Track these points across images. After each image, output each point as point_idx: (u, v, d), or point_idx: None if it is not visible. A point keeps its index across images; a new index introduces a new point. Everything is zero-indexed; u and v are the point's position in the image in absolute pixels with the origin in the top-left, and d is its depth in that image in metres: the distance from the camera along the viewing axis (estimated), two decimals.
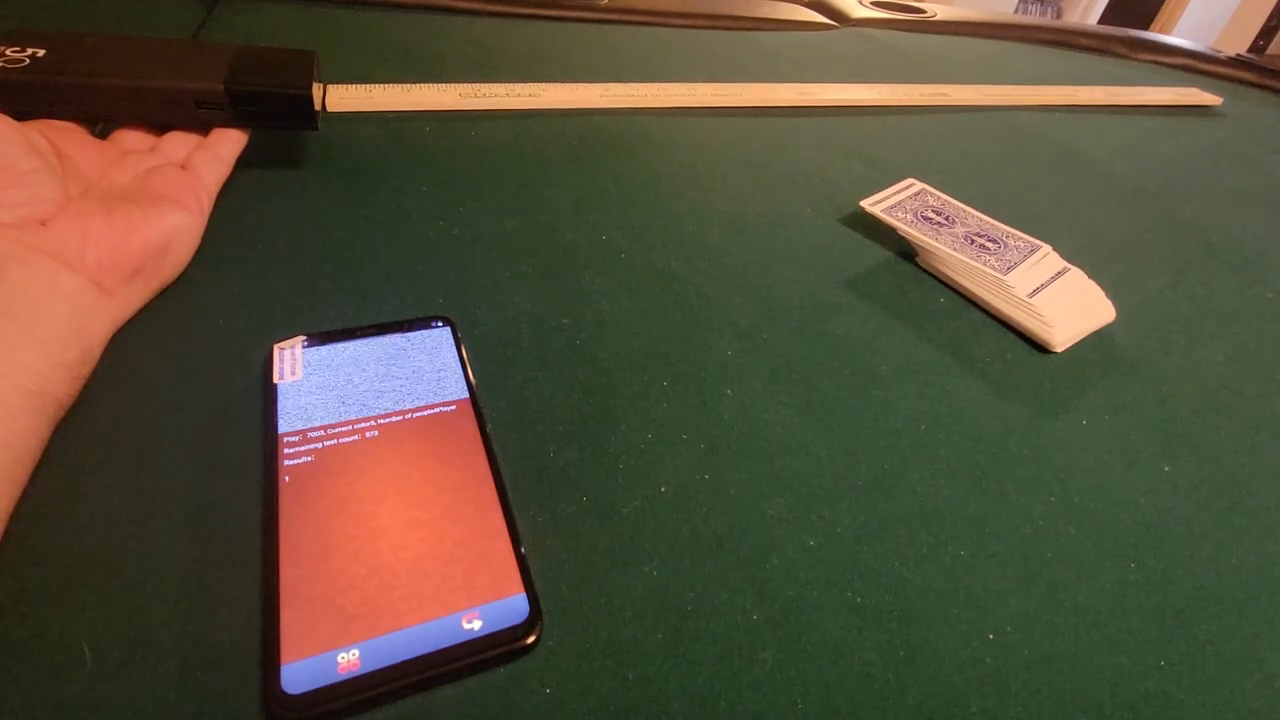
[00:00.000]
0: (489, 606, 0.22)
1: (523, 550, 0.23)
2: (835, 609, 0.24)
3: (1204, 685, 0.23)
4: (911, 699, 0.22)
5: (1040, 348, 0.36)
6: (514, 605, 0.22)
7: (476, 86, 0.52)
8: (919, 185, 0.45)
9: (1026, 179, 0.55)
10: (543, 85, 0.54)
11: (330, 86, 0.48)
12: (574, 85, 0.56)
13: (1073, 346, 0.37)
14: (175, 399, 0.27)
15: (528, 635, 0.21)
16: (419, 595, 0.22)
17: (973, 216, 0.43)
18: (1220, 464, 0.32)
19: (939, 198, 0.44)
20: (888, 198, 0.44)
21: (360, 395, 0.27)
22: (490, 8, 0.70)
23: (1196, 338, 0.40)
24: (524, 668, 0.21)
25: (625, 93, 0.56)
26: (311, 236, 0.36)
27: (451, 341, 0.31)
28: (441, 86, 0.51)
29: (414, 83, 0.51)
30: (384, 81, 0.50)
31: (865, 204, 0.43)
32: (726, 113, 0.57)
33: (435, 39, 0.62)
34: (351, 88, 0.49)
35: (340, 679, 0.19)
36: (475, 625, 0.21)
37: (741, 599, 0.24)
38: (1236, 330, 0.41)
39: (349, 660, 0.20)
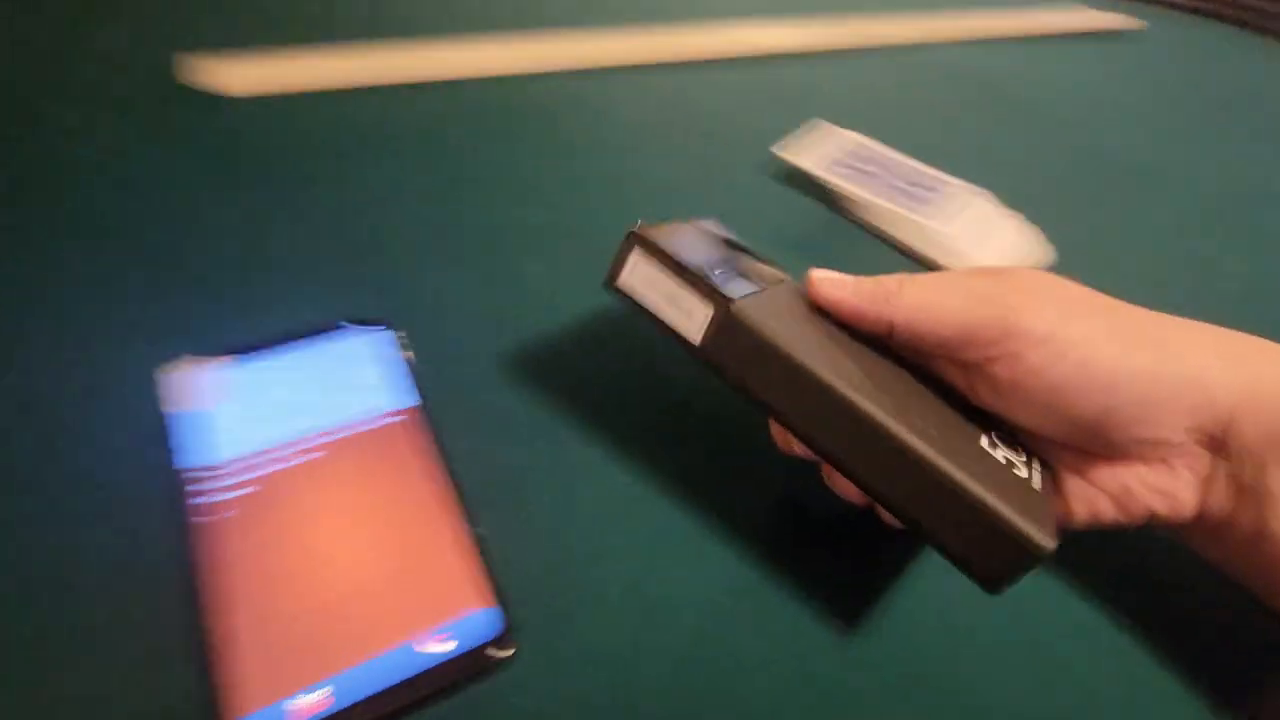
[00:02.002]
0: (459, 623, 0.21)
1: (488, 561, 0.22)
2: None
3: None
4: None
5: None
6: (486, 619, 0.21)
7: (379, 52, 0.48)
8: (844, 132, 0.45)
9: (951, 118, 0.56)
10: (448, 45, 0.51)
11: (220, 61, 0.43)
12: (484, 45, 0.52)
13: None
14: (73, 436, 0.24)
15: (503, 648, 0.20)
16: (382, 622, 0.20)
17: (904, 164, 0.43)
18: None
19: (865, 145, 0.45)
20: (810, 147, 0.43)
21: (286, 415, 0.25)
22: None
23: (1132, 270, 0.42)
24: (503, 680, 0.20)
25: (543, 52, 0.53)
26: (212, 240, 0.33)
27: (393, 346, 0.29)
28: (341, 56, 0.47)
29: (307, 46, 0.46)
30: (267, 44, 0.45)
31: (787, 156, 0.42)
32: (651, 70, 0.55)
33: None
34: (249, 63, 0.44)
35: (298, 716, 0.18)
36: (448, 646, 0.20)
37: (710, 589, 0.23)
38: (1161, 255, 0.43)
39: (312, 702, 0.19)
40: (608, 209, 0.39)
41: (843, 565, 0.25)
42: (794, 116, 0.51)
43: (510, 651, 0.20)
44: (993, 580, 0.19)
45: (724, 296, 0.22)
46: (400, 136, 0.42)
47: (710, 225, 0.29)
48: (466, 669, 0.20)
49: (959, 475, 0.19)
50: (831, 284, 0.24)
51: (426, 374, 0.28)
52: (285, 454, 0.24)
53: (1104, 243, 0.44)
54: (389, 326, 0.29)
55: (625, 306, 0.23)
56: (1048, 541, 0.18)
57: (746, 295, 0.22)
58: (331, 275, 0.32)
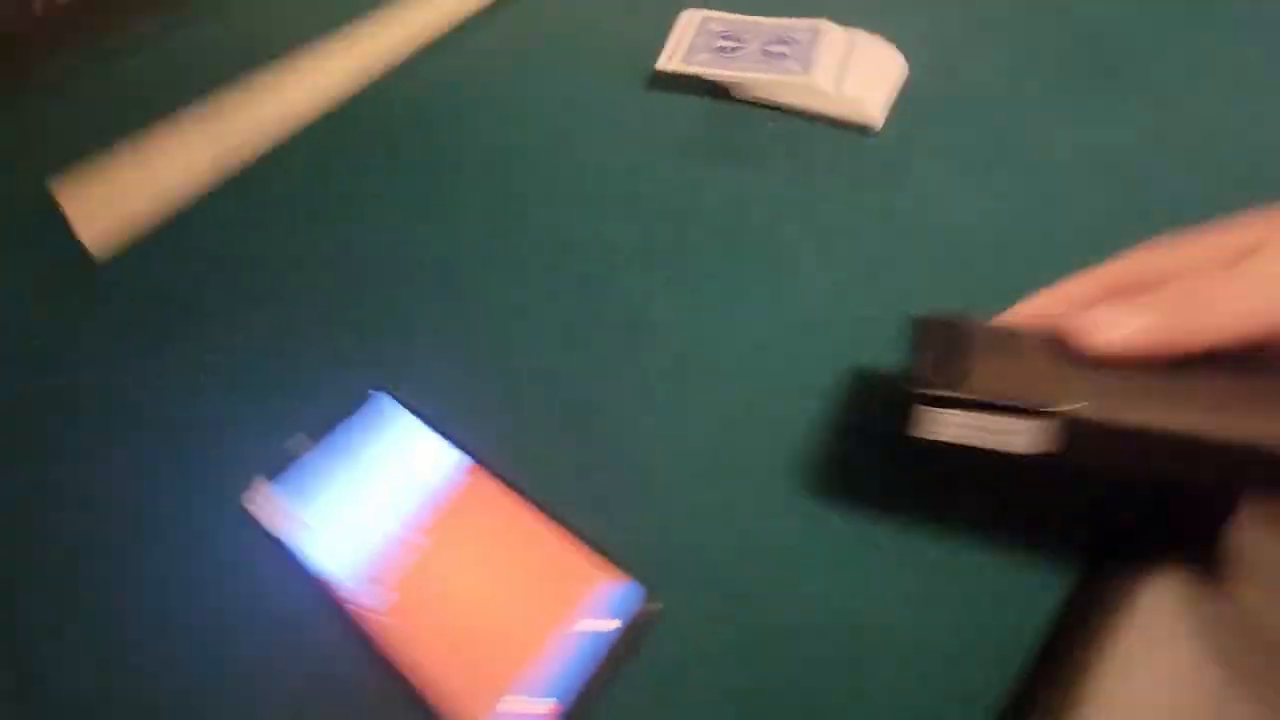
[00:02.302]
0: (608, 602, 0.26)
1: (604, 550, 0.27)
2: None
3: None
4: None
5: (862, 128, 0.41)
6: (626, 591, 0.26)
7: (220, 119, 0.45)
8: (699, 14, 0.46)
9: None
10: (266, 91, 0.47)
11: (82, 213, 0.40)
12: (305, 72, 0.49)
13: (887, 114, 0.41)
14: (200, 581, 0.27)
15: (652, 606, 0.26)
16: (546, 625, 0.25)
17: (757, 25, 0.44)
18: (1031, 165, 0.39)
19: (721, 19, 0.45)
20: (678, 46, 0.44)
21: (368, 509, 0.28)
22: None
23: (993, 62, 0.45)
24: (661, 632, 0.26)
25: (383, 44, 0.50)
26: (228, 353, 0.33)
27: (402, 410, 0.31)
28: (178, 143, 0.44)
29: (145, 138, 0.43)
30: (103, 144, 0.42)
31: (661, 65, 0.43)
32: (475, 25, 0.53)
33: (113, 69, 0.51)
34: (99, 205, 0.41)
35: None
36: (610, 622, 0.25)
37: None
38: (1023, 44, 0.46)
39: (524, 703, 0.24)
40: (533, 190, 0.40)
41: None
42: (657, 10, 0.50)
43: (659, 605, 0.26)
44: None
45: (1047, 411, 0.21)
46: (289, 193, 0.41)
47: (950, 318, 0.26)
48: (630, 634, 0.25)
49: None
50: (1110, 328, 0.21)
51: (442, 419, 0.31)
52: (398, 530, 0.27)
53: (955, 42, 0.47)
54: (385, 392, 0.31)
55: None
56: None
57: (1069, 393, 0.21)
58: (328, 354, 0.34)
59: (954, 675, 0.24)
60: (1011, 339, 0.25)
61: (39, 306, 0.37)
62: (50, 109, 0.49)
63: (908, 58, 0.43)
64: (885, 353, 0.30)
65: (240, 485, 0.28)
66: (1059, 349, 0.23)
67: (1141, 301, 0.21)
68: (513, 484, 0.29)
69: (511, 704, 0.23)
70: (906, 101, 0.42)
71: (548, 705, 0.23)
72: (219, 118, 0.45)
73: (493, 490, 0.29)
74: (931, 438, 0.23)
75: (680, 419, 0.30)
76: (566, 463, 0.30)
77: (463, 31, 0.51)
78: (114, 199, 0.40)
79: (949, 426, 0.22)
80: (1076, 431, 0.21)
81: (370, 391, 0.31)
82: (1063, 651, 0.24)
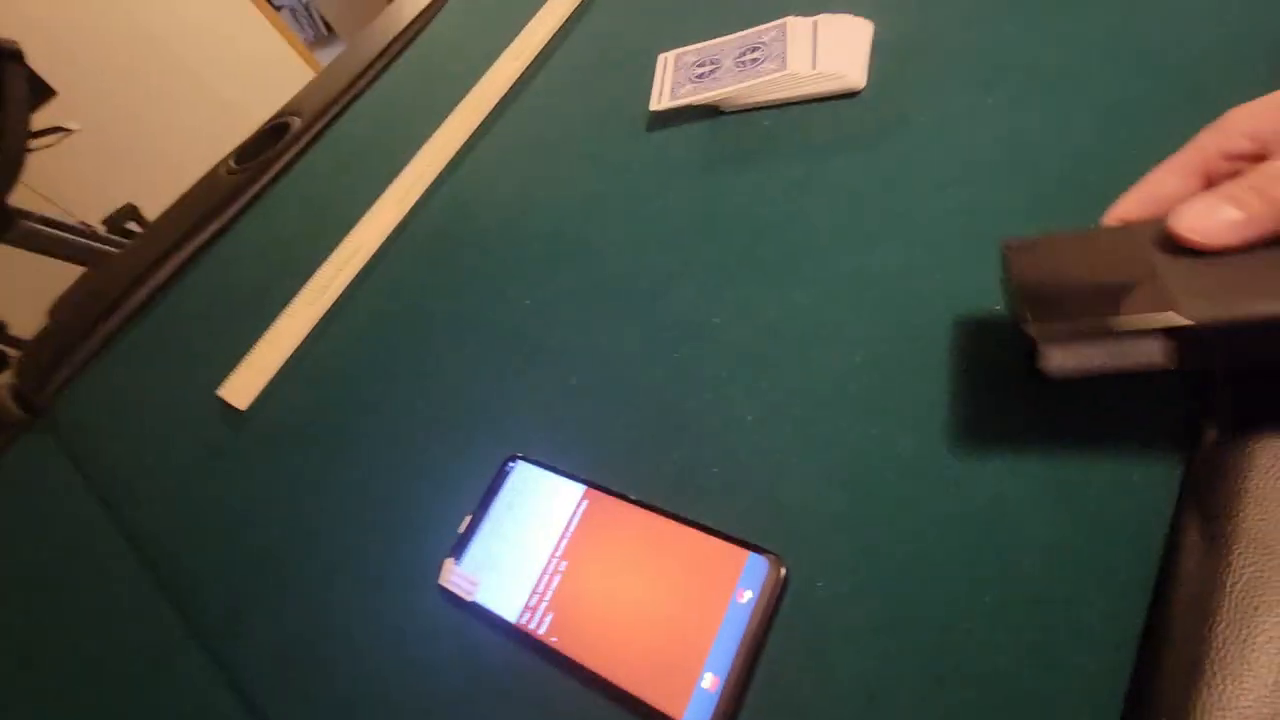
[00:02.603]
0: (743, 579, 0.29)
1: (726, 531, 0.30)
2: None
3: None
4: None
5: (850, 95, 0.43)
6: (756, 564, 0.29)
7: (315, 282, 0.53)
8: (671, 53, 0.50)
9: None
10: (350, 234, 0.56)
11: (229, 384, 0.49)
12: (379, 209, 0.57)
13: (870, 75, 0.44)
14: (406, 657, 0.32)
15: (780, 571, 0.28)
16: (703, 609, 0.28)
17: (725, 44, 0.48)
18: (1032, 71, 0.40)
19: (693, 50, 0.49)
20: (663, 86, 0.49)
21: (523, 552, 0.33)
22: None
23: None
24: (797, 591, 0.28)
25: (418, 175, 0.58)
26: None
27: (530, 465, 0.36)
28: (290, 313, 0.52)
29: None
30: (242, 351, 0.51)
31: (654, 106, 0.48)
32: (488, 128, 0.60)
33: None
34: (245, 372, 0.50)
35: (710, 695, 0.26)
36: (747, 596, 0.28)
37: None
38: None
39: (710, 679, 0.27)
40: (581, 246, 0.45)
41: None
42: (633, 66, 0.56)
43: (786, 569, 0.28)
44: None
45: (1170, 326, 0.21)
46: (377, 310, 0.48)
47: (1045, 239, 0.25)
48: (766, 600, 0.28)
49: None
50: (1209, 221, 0.21)
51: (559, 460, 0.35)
52: (548, 574, 0.32)
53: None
54: (518, 459, 0.36)
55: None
56: None
57: (1183, 298, 0.21)
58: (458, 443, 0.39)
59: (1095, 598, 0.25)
60: (1110, 247, 0.24)
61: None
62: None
63: (873, 20, 0.45)
64: (957, 292, 0.32)
65: (430, 567, 0.34)
66: (1160, 247, 0.22)
67: (1234, 189, 0.21)
68: (627, 497, 0.33)
69: (703, 680, 0.27)
70: (884, 58, 0.44)
71: (722, 677, 0.27)
72: (316, 284, 0.53)
73: (615, 507, 0.33)
74: (1063, 375, 0.23)
75: (766, 402, 0.33)
76: (673, 466, 0.33)
77: (474, 143, 0.58)
78: (256, 379, 0.49)
79: (1078, 358, 0.22)
80: (1201, 335, 0.21)
81: (503, 460, 0.36)
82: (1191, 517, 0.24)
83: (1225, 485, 0.24)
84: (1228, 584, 0.22)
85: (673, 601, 0.29)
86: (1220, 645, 0.21)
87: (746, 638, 0.27)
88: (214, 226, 0.68)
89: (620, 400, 0.37)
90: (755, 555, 0.29)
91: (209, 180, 0.77)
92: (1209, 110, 0.25)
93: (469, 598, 0.33)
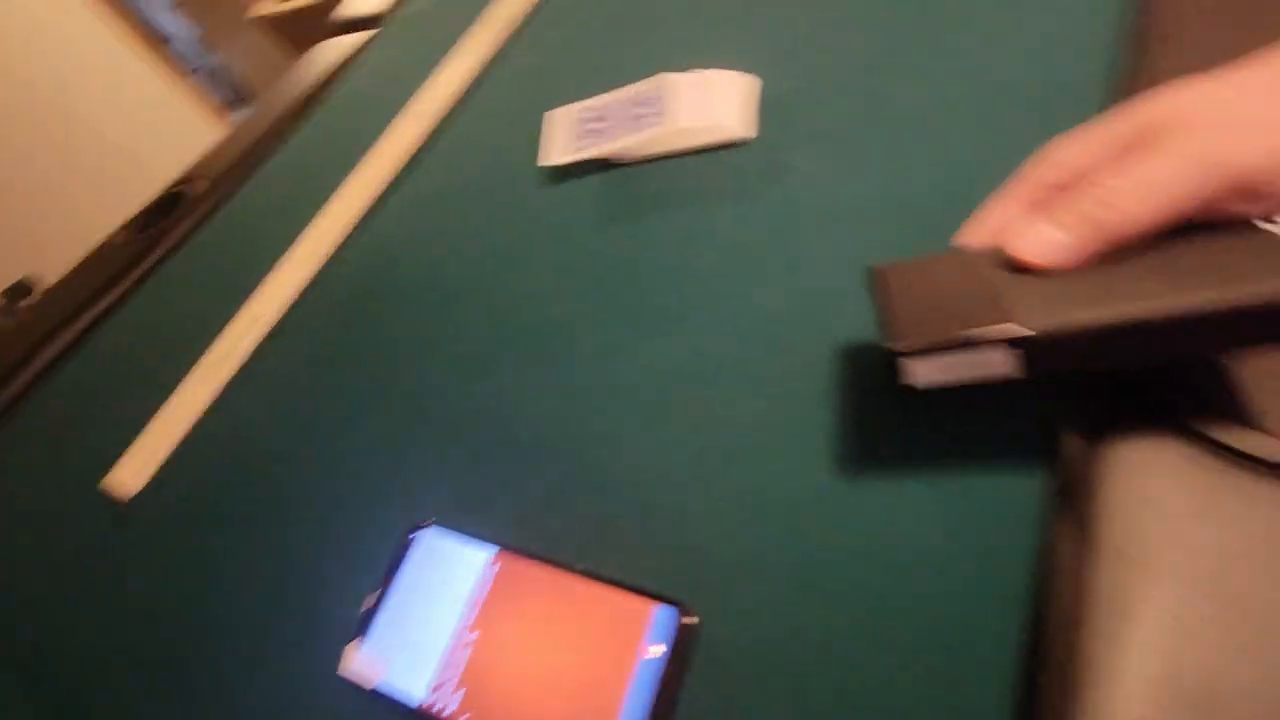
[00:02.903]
0: (652, 633, 0.28)
1: (635, 584, 0.30)
2: None
3: None
4: None
5: (736, 145, 0.45)
6: (664, 616, 0.28)
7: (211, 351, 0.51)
8: (559, 110, 0.52)
9: (595, 38, 0.62)
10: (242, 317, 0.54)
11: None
12: (281, 276, 0.55)
13: (756, 126, 0.46)
14: None
15: (690, 620, 0.28)
16: (611, 669, 0.28)
17: (616, 101, 0.50)
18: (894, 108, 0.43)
19: (583, 107, 0.51)
20: (554, 142, 0.50)
21: (431, 627, 0.32)
22: None
23: (832, 48, 0.50)
24: (707, 638, 0.28)
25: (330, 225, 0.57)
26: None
27: (439, 532, 0.35)
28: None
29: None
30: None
31: (544, 162, 0.49)
32: (394, 189, 0.60)
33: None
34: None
35: None
36: (657, 649, 0.28)
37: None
38: (850, 25, 0.51)
39: None
40: (482, 305, 0.45)
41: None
42: (531, 124, 0.56)
43: (696, 619, 0.28)
44: None
45: (1013, 339, 0.22)
46: (279, 386, 0.47)
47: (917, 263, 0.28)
48: (678, 652, 0.28)
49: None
50: (1040, 245, 0.23)
51: (463, 522, 0.34)
52: (456, 650, 0.31)
53: (791, 47, 0.52)
54: (420, 528, 0.35)
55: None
56: None
57: (1022, 311, 0.23)
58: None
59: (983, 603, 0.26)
60: (963, 267, 0.26)
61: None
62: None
63: (756, 74, 0.48)
64: (842, 329, 0.34)
65: (333, 653, 0.32)
66: (1005, 267, 0.25)
67: (1063, 213, 0.23)
68: (538, 557, 0.32)
69: None
70: (768, 110, 0.47)
71: None
72: (214, 354, 0.51)
73: (526, 569, 0.32)
74: (921, 384, 0.24)
75: (669, 449, 0.34)
76: (583, 520, 0.33)
77: (378, 205, 0.58)
78: (146, 463, 0.46)
79: (932, 371, 0.24)
80: (1047, 344, 0.22)
81: (410, 529, 0.35)
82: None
83: (1087, 497, 0.25)
84: (1094, 594, 0.23)
85: (585, 662, 0.29)
86: (1091, 654, 0.22)
87: (658, 693, 0.27)
88: (106, 301, 0.64)
89: (529, 457, 0.36)
90: (664, 606, 0.29)
91: (102, 251, 0.74)
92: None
93: (373, 684, 0.31)
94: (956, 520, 0.27)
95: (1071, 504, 0.26)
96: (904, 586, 0.27)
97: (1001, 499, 0.27)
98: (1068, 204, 0.24)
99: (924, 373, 0.24)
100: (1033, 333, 0.23)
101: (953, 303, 0.25)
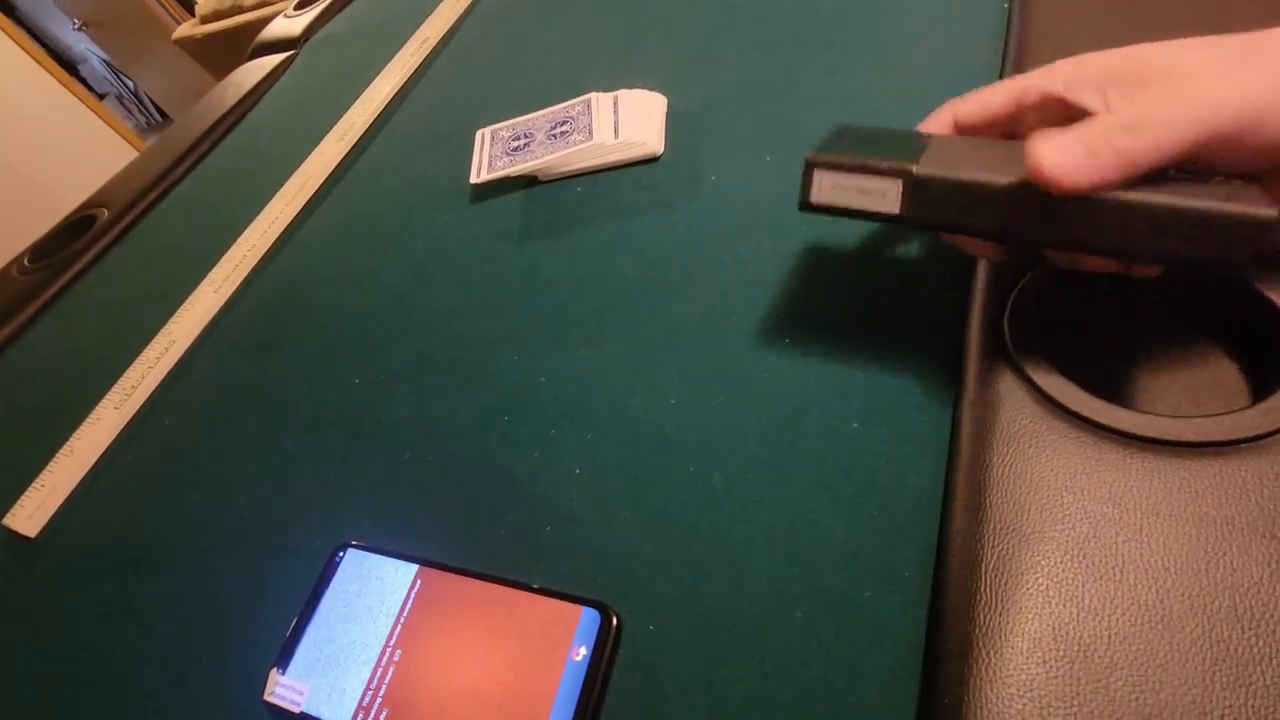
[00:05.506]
0: (577, 636, 0.29)
1: (553, 587, 0.30)
2: None
3: None
4: None
5: (651, 161, 0.47)
6: (589, 619, 0.29)
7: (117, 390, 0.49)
8: (487, 130, 0.52)
9: (510, 62, 0.63)
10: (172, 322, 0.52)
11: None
12: (199, 295, 0.54)
13: (667, 142, 0.48)
14: None
15: (612, 621, 0.29)
16: (541, 672, 0.28)
17: (536, 119, 0.51)
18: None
19: (507, 126, 0.52)
20: (481, 160, 0.50)
21: (354, 648, 0.31)
22: None
23: (736, 68, 0.53)
24: (631, 638, 0.29)
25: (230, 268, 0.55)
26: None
27: (359, 551, 0.34)
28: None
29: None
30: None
31: (474, 179, 0.49)
32: (313, 209, 0.59)
33: None
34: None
35: None
36: (582, 652, 0.28)
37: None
38: (751, 48, 0.54)
39: None
40: (406, 320, 0.45)
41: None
42: (453, 143, 0.57)
43: (616, 620, 0.29)
44: (1240, 264, 0.22)
45: (903, 169, 0.26)
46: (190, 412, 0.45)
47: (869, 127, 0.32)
48: (604, 651, 0.28)
49: (1163, 199, 0.22)
50: (1061, 160, 0.23)
51: (388, 538, 0.34)
52: (380, 669, 0.30)
53: (695, 65, 0.55)
54: (342, 548, 0.34)
55: (822, 215, 0.28)
56: (1267, 211, 0.21)
57: (919, 158, 0.26)
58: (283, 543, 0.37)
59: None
60: (900, 137, 0.29)
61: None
62: None
63: (665, 93, 0.49)
64: (753, 331, 0.35)
65: (257, 680, 0.31)
66: (936, 146, 0.27)
67: (1089, 136, 0.23)
68: (461, 570, 0.32)
69: None
70: (677, 126, 0.48)
71: None
72: (122, 387, 0.49)
73: (449, 583, 0.32)
74: (822, 204, 0.28)
75: (591, 454, 0.34)
76: (507, 530, 0.33)
77: (298, 225, 0.57)
78: (50, 500, 0.43)
79: (832, 190, 0.27)
80: (924, 186, 0.26)
81: (332, 551, 0.34)
82: None
83: (974, 474, 0.27)
84: (983, 564, 0.25)
85: (511, 672, 0.29)
86: (983, 622, 0.24)
87: (583, 695, 0.27)
88: (3, 334, 0.61)
89: (452, 472, 0.36)
90: (588, 609, 0.29)
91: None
92: None
93: (296, 709, 0.30)
94: (859, 511, 0.29)
95: (962, 485, 0.28)
96: (811, 575, 0.28)
97: (904, 488, 0.29)
98: (1097, 124, 0.24)
99: (825, 189, 0.27)
100: (916, 172, 0.26)
101: (878, 150, 0.28)
